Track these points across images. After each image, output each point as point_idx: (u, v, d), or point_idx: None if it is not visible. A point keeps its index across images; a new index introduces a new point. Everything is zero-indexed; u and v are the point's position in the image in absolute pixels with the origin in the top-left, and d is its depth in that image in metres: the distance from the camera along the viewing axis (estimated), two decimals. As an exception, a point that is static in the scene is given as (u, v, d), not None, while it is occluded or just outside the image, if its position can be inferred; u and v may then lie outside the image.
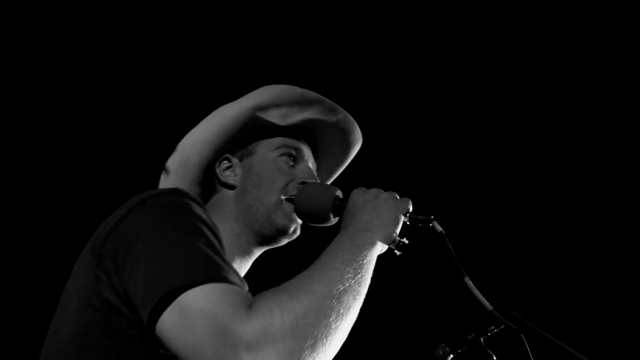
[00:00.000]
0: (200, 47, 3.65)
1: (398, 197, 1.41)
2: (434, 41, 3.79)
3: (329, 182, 1.82)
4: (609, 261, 4.14)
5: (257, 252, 1.56)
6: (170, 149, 1.61)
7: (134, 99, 3.70)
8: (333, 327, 1.05)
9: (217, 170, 1.57)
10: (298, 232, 1.57)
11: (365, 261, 1.20)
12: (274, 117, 1.57)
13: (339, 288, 1.09)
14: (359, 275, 1.16)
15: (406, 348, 3.96)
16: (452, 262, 1.33)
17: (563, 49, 3.79)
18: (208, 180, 1.59)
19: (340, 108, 1.67)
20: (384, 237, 1.30)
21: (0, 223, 3.70)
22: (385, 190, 1.44)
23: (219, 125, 1.54)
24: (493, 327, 2.47)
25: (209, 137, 1.54)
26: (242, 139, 1.59)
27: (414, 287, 3.93)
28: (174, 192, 1.23)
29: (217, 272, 1.04)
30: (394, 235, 1.33)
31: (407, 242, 1.37)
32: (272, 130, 1.60)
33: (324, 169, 1.79)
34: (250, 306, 1.01)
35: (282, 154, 1.58)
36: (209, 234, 1.13)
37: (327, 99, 1.63)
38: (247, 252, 1.52)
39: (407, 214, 1.39)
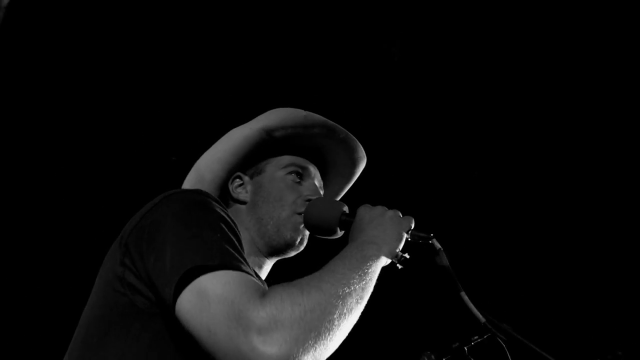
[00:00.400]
0: (212, 66, 3.73)
1: (401, 215, 1.54)
2: (434, 58, 3.87)
3: (337, 199, 1.94)
4: (606, 268, 4.28)
5: (270, 261, 1.68)
6: (183, 160, 1.73)
7: (146, 110, 3.77)
8: (336, 324, 1.15)
9: (230, 187, 1.70)
10: (304, 244, 1.69)
11: (370, 270, 1.31)
12: (281, 137, 1.70)
13: (345, 290, 1.20)
14: (363, 282, 1.27)
15: (397, 354, 4.09)
16: (449, 277, 1.46)
17: (560, 51, 3.83)
18: (222, 197, 1.71)
19: (342, 128, 1.79)
20: (389, 251, 1.41)
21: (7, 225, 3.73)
22: (389, 208, 1.57)
23: (230, 146, 1.68)
24: (477, 337, 2.60)
25: (222, 156, 1.68)
26: (252, 158, 1.71)
27: (411, 298, 4.06)
28: (197, 191, 1.35)
29: (232, 261, 1.15)
30: (397, 250, 1.44)
31: (408, 257, 1.49)
32: (280, 150, 1.73)
33: (332, 186, 1.91)
34: (263, 295, 1.11)
35: (290, 172, 1.70)
36: (228, 230, 1.24)
37: (329, 120, 1.76)
38: (260, 259, 1.64)
39: (409, 231, 1.50)
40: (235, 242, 1.23)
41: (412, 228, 1.52)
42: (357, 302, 1.24)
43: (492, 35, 3.79)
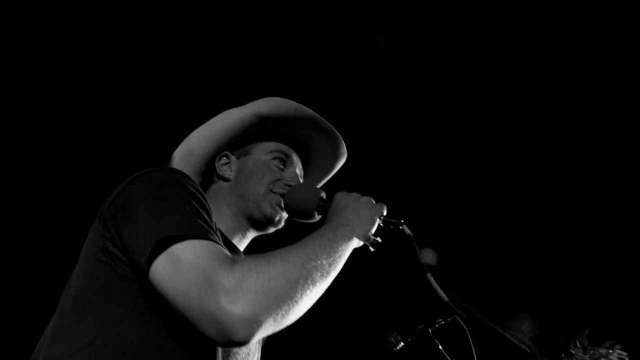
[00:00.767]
0: (207, 56, 3.77)
1: (374, 202, 1.65)
2: (415, 49, 3.99)
3: None
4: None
5: (250, 235, 1.78)
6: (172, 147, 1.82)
7: (137, 100, 3.80)
8: (298, 293, 1.25)
9: (217, 164, 1.80)
10: (282, 223, 1.79)
11: (339, 249, 1.42)
12: (270, 124, 1.81)
13: (311, 264, 1.30)
14: (331, 259, 1.37)
15: (365, 335, 4.23)
16: (416, 260, 1.58)
17: (551, 46, 4.00)
18: (207, 172, 1.81)
19: (329, 124, 1.90)
20: (361, 233, 1.52)
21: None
22: (364, 195, 1.68)
23: (222, 126, 1.78)
24: (440, 320, 2.75)
25: (213, 135, 1.78)
26: (241, 140, 1.81)
27: (378, 282, 4.21)
28: (170, 169, 1.45)
29: (202, 232, 1.25)
30: (370, 233, 1.55)
31: (380, 240, 1.60)
32: (268, 136, 1.83)
33: (310, 178, 2.02)
34: (232, 263, 1.22)
35: (274, 158, 1.81)
36: (197, 204, 1.34)
37: (318, 116, 1.87)
38: (240, 232, 1.75)
39: (382, 217, 1.62)
40: (205, 215, 1.33)
41: (385, 214, 1.63)
42: (322, 277, 1.33)
43: (479, 26, 3.88)
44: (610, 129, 4.38)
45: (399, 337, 2.79)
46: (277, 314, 1.21)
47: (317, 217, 1.74)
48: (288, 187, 1.76)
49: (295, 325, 1.32)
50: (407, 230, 1.61)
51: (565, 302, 4.58)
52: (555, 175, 4.60)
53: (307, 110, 1.85)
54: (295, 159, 1.87)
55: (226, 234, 1.68)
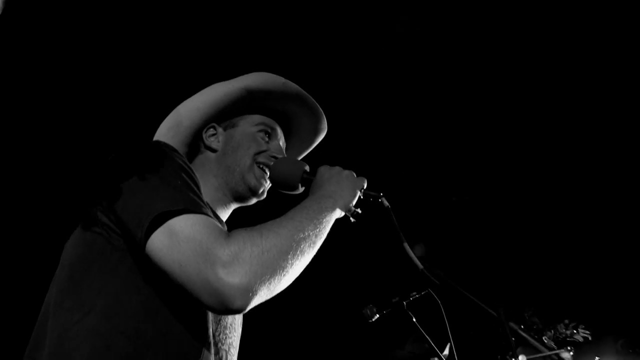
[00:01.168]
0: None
1: (356, 175, 1.74)
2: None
3: None
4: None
5: (232, 206, 1.85)
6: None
7: (123, 76, 3.80)
8: (289, 263, 1.35)
9: (204, 136, 1.85)
10: (265, 195, 1.87)
11: (324, 220, 1.51)
12: (257, 98, 1.87)
13: (300, 236, 1.40)
14: (317, 230, 1.46)
15: (341, 307, 4.34)
16: (394, 230, 1.68)
17: (551, 49, 4.08)
18: (194, 143, 1.86)
19: (313, 100, 1.98)
20: (343, 205, 1.61)
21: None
22: (345, 169, 1.76)
23: (211, 98, 1.83)
24: (415, 293, 2.87)
25: (202, 107, 1.83)
26: (228, 112, 1.87)
27: (355, 255, 4.32)
28: (159, 143, 1.50)
29: (196, 206, 1.33)
30: (351, 205, 1.64)
31: (360, 212, 1.70)
32: (255, 109, 1.90)
33: (292, 150, 2.10)
34: (227, 236, 1.30)
35: (260, 130, 1.87)
36: (188, 178, 1.41)
37: (304, 91, 1.94)
38: (224, 204, 1.81)
39: (362, 190, 1.70)
40: (195, 188, 1.40)
41: (365, 187, 1.72)
42: (310, 247, 1.43)
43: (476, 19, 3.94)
44: (597, 123, 4.50)
45: (374, 309, 2.91)
46: (270, 283, 1.30)
47: (301, 189, 1.83)
48: (273, 159, 1.83)
49: (276, 298, 1.41)
50: (386, 203, 1.71)
51: (544, 290, 4.76)
52: (531, 166, 4.73)
53: (294, 86, 1.91)
54: (280, 132, 1.94)
55: (210, 204, 1.73)
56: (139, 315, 1.32)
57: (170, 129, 1.84)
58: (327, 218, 1.53)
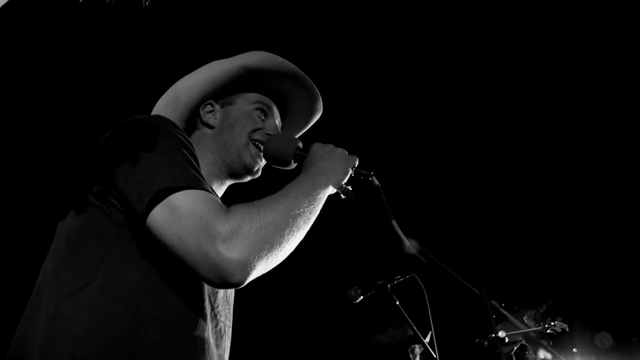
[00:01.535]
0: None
1: (347, 154, 1.78)
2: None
3: None
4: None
5: (227, 182, 1.88)
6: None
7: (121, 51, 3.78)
8: (286, 239, 1.40)
9: (201, 112, 1.88)
10: (259, 173, 1.91)
11: (318, 197, 1.56)
12: (255, 77, 1.90)
13: (295, 212, 1.45)
14: (312, 206, 1.51)
15: (327, 288, 4.40)
16: (383, 208, 1.72)
17: (549, 47, 4.12)
18: (192, 119, 1.89)
19: (310, 80, 2.01)
20: (335, 182, 1.65)
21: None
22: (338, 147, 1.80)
23: (210, 75, 1.86)
24: (399, 277, 2.91)
25: (201, 83, 1.85)
26: (226, 89, 1.89)
27: (341, 237, 4.36)
28: (158, 117, 1.53)
29: (197, 182, 1.37)
30: (343, 182, 1.69)
31: (350, 189, 1.73)
32: (252, 88, 1.92)
33: (287, 130, 2.13)
34: (226, 212, 1.34)
35: (257, 108, 1.90)
36: (188, 153, 1.44)
37: (301, 72, 1.97)
38: (219, 179, 1.84)
39: (354, 168, 1.75)
40: (195, 164, 1.44)
41: (356, 165, 1.76)
42: (305, 222, 1.48)
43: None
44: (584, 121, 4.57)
45: (358, 291, 2.95)
46: (267, 258, 1.35)
47: (294, 165, 1.86)
48: (268, 136, 1.86)
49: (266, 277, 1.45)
50: (376, 181, 1.75)
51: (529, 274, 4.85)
52: (518, 156, 4.80)
53: (291, 65, 1.94)
54: (276, 110, 1.97)
55: (206, 180, 1.77)
56: (138, 288, 1.36)
57: (169, 104, 1.87)
58: (321, 195, 1.58)
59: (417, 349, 3.61)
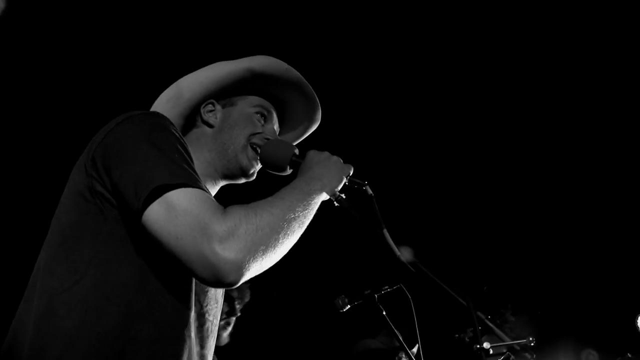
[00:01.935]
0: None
1: (343, 162, 1.80)
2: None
3: None
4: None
5: (221, 183, 1.89)
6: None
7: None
8: (280, 241, 1.42)
9: (202, 110, 1.88)
10: (254, 176, 1.92)
11: (312, 202, 1.58)
12: (258, 81, 1.92)
13: (290, 215, 1.47)
14: (306, 211, 1.54)
15: (314, 296, 4.40)
16: (375, 218, 1.74)
17: (547, 46, 4.12)
18: (192, 116, 1.90)
19: (312, 90, 2.03)
20: (329, 188, 1.67)
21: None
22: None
23: (214, 74, 1.87)
24: (387, 287, 2.93)
25: (204, 82, 1.86)
26: (228, 91, 1.91)
27: (330, 246, 4.37)
28: (156, 114, 1.55)
29: (193, 180, 1.38)
30: (337, 189, 1.71)
31: (344, 197, 1.76)
32: (254, 91, 1.94)
33: (284, 136, 2.14)
34: (223, 212, 1.36)
35: (257, 112, 1.92)
36: (184, 151, 1.46)
37: (305, 80, 1.99)
38: (213, 179, 1.85)
39: (348, 176, 1.77)
40: (190, 161, 1.46)
41: (351, 174, 1.79)
42: (299, 226, 1.51)
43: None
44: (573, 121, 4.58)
45: (346, 300, 2.97)
46: (262, 260, 1.37)
47: (289, 171, 1.88)
48: (266, 141, 1.88)
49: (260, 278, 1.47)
50: (370, 191, 1.78)
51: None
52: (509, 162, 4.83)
53: (296, 73, 1.96)
54: (275, 116, 1.99)
55: (202, 176, 1.75)
56: (130, 286, 1.37)
57: (170, 100, 1.88)
58: (316, 200, 1.61)
59: (404, 359, 3.62)
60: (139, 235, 1.38)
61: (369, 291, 2.98)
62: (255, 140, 1.86)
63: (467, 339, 3.22)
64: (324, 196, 1.67)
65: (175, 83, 1.90)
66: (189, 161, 1.44)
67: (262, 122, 1.92)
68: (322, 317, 4.46)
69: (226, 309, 3.18)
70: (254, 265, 1.35)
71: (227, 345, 3.24)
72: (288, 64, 1.94)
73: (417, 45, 4.24)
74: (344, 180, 1.75)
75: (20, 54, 3.67)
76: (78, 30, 3.70)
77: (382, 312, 2.88)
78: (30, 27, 3.63)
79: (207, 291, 1.59)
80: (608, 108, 4.54)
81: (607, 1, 3.91)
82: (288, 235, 1.45)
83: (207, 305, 1.58)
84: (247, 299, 3.30)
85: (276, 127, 2.00)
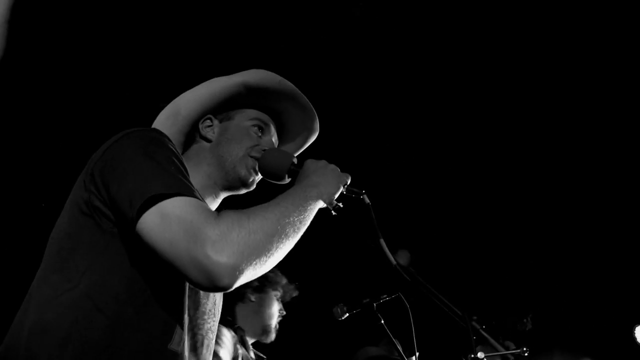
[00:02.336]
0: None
1: (340, 171, 1.82)
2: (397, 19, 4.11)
3: None
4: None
5: (222, 195, 1.92)
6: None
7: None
8: (274, 246, 1.43)
9: (200, 126, 1.92)
10: (254, 186, 1.94)
11: (309, 208, 1.60)
12: (254, 94, 1.95)
13: (285, 221, 1.48)
14: (302, 216, 1.55)
15: (313, 305, 4.40)
16: (372, 227, 1.76)
17: (546, 45, 4.12)
18: (191, 132, 1.94)
19: (307, 100, 2.05)
20: (327, 197, 1.69)
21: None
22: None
23: (210, 91, 1.91)
24: (385, 296, 2.94)
25: (199, 98, 1.91)
26: (225, 105, 1.95)
27: (330, 254, 4.39)
28: (153, 130, 1.59)
29: (188, 190, 1.41)
30: (334, 197, 1.73)
31: (341, 206, 1.77)
32: (251, 104, 1.97)
33: (284, 148, 2.16)
34: (216, 217, 1.38)
35: (254, 125, 1.94)
36: (179, 163, 1.49)
37: (299, 91, 2.02)
38: (214, 192, 1.88)
39: (345, 185, 1.79)
40: (185, 173, 1.49)
41: (348, 183, 1.80)
42: (294, 232, 1.51)
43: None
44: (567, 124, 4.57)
45: (344, 308, 2.98)
46: (255, 264, 1.38)
47: (287, 180, 1.90)
48: (264, 152, 1.91)
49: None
50: (367, 200, 1.79)
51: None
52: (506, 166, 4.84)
53: (289, 84, 1.99)
54: (273, 129, 2.01)
55: (200, 192, 1.78)
56: (121, 296, 1.39)
57: (169, 118, 1.92)
58: (312, 206, 1.62)
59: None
60: (134, 248, 1.41)
61: (367, 300, 2.99)
62: (253, 153, 1.89)
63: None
64: (321, 204, 1.69)
65: (173, 101, 1.94)
66: (184, 173, 1.47)
67: (260, 134, 1.95)
68: (320, 326, 4.46)
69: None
70: (248, 268, 1.36)
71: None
72: (283, 75, 1.98)
73: (410, 55, 4.26)
74: (341, 188, 1.77)
75: (20, 62, 3.70)
76: (78, 46, 3.74)
77: (380, 320, 2.89)
78: (28, 32, 3.66)
79: (199, 305, 1.61)
80: (606, 110, 4.54)
81: (607, 1, 3.91)
82: (282, 239, 1.45)
83: (197, 319, 1.60)
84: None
85: (275, 139, 2.02)
